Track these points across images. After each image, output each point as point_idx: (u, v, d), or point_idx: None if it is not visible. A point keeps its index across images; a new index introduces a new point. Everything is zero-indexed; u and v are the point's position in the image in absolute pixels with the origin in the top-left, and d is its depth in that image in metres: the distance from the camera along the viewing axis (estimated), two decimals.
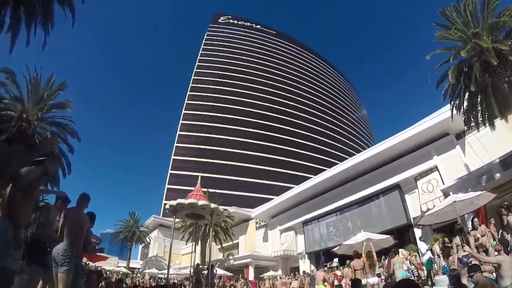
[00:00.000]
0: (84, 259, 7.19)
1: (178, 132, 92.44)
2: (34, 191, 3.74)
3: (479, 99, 12.90)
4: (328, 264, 18.61)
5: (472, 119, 13.41)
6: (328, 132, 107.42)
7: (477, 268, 5.32)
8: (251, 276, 26.81)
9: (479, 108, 13.07)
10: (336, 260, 16.03)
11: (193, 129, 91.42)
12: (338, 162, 58.81)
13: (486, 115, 12.95)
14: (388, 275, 13.36)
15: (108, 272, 27.98)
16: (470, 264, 5.36)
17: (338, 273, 14.11)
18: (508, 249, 5.91)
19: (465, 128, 15.18)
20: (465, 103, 13.27)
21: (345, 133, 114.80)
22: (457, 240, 8.89)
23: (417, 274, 13.02)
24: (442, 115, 16.34)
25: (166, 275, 17.07)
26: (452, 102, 13.54)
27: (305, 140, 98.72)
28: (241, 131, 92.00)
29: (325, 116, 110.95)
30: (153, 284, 21.48)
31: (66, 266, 4.63)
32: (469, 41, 11.91)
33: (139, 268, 38.17)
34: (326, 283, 12.76)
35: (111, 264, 39.50)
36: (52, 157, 4.14)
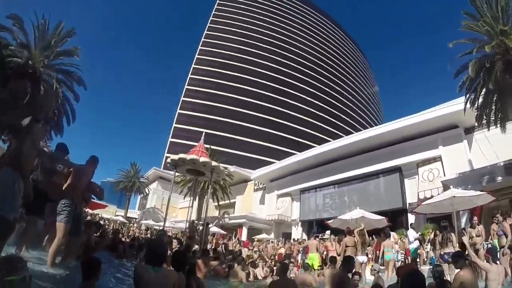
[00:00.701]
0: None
1: (186, 87, 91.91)
2: (37, 140, 3.80)
3: (495, 98, 12.68)
4: (320, 235, 18.96)
5: (485, 117, 13.22)
6: (337, 103, 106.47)
7: (462, 256, 5.41)
8: (244, 237, 27.36)
9: (494, 107, 12.90)
10: (328, 232, 16.32)
11: (201, 84, 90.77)
12: (343, 135, 58.77)
13: (499, 116, 12.79)
14: (376, 256, 13.65)
15: (106, 220, 28.77)
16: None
17: (328, 244, 14.31)
18: (497, 258, 5.94)
19: (476, 124, 15.02)
20: (480, 99, 13.02)
21: (355, 108, 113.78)
22: (439, 237, 9.01)
23: (403, 260, 13.28)
24: (455, 107, 16.09)
25: (162, 227, 17.50)
26: (467, 95, 13.28)
27: (313, 108, 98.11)
28: (249, 91, 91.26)
29: (337, 87, 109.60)
30: (148, 235, 22.05)
31: (64, 215, 4.83)
32: (495, 37, 11.53)
33: (136, 218, 39.05)
34: (318, 253, 13.01)
35: (109, 213, 40.53)
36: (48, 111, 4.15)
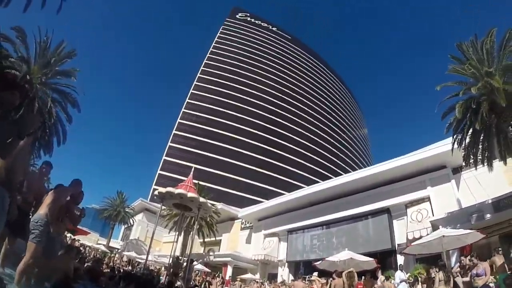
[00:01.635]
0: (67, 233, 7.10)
1: (178, 120, 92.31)
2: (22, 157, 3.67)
3: (481, 138, 12.95)
4: (307, 276, 18.53)
5: (472, 156, 13.46)
6: (328, 145, 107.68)
7: None
8: (228, 275, 26.66)
9: (480, 146, 13.16)
10: (315, 273, 15.93)
11: (194, 119, 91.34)
12: (332, 176, 59.04)
13: (486, 155, 13.02)
14: None
15: (87, 248, 27.92)
16: None
17: (315, 286, 14.01)
18: None
19: (463, 164, 15.25)
20: (467, 140, 13.32)
21: (344, 149, 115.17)
22: (440, 275, 8.90)
23: None
24: (442, 147, 16.47)
25: (144, 261, 17.00)
26: (454, 136, 13.59)
27: (303, 149, 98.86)
28: (241, 129, 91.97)
29: (327, 130, 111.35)
30: (129, 268, 21.33)
31: (35, 234, 4.56)
32: (481, 79, 11.96)
33: (118, 249, 38.01)
34: None
35: (92, 240, 39.48)
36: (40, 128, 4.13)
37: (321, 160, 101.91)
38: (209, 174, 74.57)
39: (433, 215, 17.13)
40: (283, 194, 32.15)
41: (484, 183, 15.66)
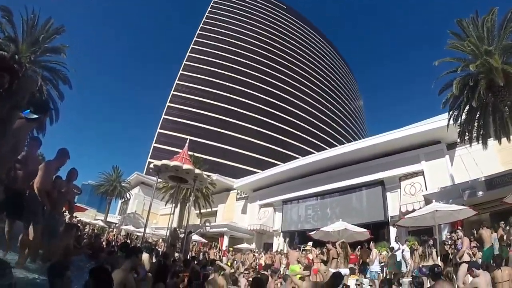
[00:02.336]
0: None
1: (172, 92, 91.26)
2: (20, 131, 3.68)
3: (477, 115, 12.99)
4: (302, 246, 18.94)
5: (467, 133, 13.55)
6: (323, 117, 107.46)
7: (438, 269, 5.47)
8: (225, 246, 27.14)
9: (476, 124, 13.23)
10: (310, 243, 16.29)
11: (188, 91, 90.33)
12: (328, 147, 59.23)
13: (481, 133, 13.12)
14: (360, 269, 13.84)
15: (86, 224, 28.20)
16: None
17: (310, 256, 14.31)
18: (480, 267, 6.01)
19: (458, 140, 15.32)
20: (463, 116, 13.34)
21: (340, 121, 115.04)
22: (420, 250, 9.20)
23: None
24: (438, 123, 16.58)
25: (142, 234, 17.22)
26: (450, 112, 13.62)
27: (299, 120, 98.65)
28: (236, 100, 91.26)
29: (323, 101, 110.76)
30: (127, 241, 21.62)
31: (34, 216, 4.65)
32: (480, 57, 11.84)
33: (116, 223, 38.34)
34: (299, 265, 12.97)
35: (89, 216, 39.77)
36: (47, 115, 4.03)
37: (316, 131, 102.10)
38: (204, 146, 74.60)
39: (426, 189, 17.40)
40: (279, 164, 32.33)
41: (478, 160, 15.91)
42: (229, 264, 16.77)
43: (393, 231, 18.04)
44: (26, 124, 3.70)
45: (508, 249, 9.49)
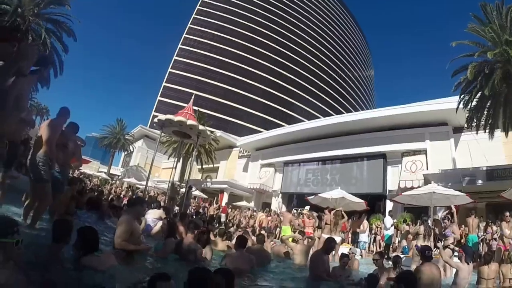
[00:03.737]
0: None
1: (180, 46, 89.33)
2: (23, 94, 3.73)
3: (488, 104, 12.81)
4: (299, 209, 19.31)
5: (475, 120, 13.45)
6: (332, 82, 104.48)
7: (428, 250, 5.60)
8: (224, 202, 27.58)
9: (485, 112, 13.08)
10: (307, 207, 16.57)
11: (196, 45, 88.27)
12: (334, 113, 58.71)
13: (490, 122, 13.04)
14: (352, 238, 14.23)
15: (90, 177, 28.72)
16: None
17: (306, 220, 14.61)
18: (470, 259, 6.07)
19: (465, 125, 15.19)
20: (474, 103, 13.19)
21: (348, 88, 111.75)
22: (420, 229, 9.34)
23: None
24: (447, 104, 16.37)
25: (144, 186, 17.56)
26: (461, 96, 13.47)
27: (307, 83, 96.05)
28: (246, 58, 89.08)
29: (333, 66, 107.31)
30: (129, 193, 22.10)
31: (41, 176, 4.66)
32: (499, 46, 11.57)
33: (119, 176, 38.97)
34: (292, 226, 13.28)
35: (93, 169, 40.34)
36: (48, 67, 4.00)
37: (323, 96, 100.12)
38: (209, 101, 74.18)
39: (427, 169, 17.60)
40: (283, 126, 32.33)
41: (482, 149, 15.86)
42: (228, 220, 17.21)
43: (389, 205, 18.35)
44: (27, 78, 3.69)
45: (496, 242, 9.72)
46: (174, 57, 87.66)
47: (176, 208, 13.27)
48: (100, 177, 32.80)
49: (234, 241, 9.58)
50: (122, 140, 43.23)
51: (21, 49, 3.56)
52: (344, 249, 10.09)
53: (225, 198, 28.90)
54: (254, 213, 20.56)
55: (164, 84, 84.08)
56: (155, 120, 12.94)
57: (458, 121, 16.89)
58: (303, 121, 29.64)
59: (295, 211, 16.79)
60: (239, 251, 5.95)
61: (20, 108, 3.71)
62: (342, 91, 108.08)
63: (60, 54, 20.40)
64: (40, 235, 4.43)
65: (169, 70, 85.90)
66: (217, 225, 11.60)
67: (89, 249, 3.34)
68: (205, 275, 2.37)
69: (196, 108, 19.35)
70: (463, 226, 12.43)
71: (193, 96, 14.31)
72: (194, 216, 12.52)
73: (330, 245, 6.38)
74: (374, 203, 19.08)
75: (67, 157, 6.05)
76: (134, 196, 16.83)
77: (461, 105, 13.60)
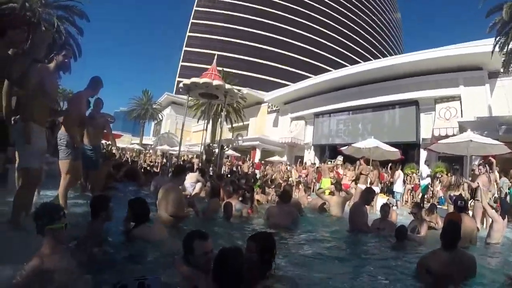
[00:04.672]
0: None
1: (195, 8, 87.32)
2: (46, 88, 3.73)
3: None
4: (332, 160, 19.18)
5: None
6: (356, 27, 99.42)
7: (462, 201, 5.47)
8: (257, 159, 27.92)
9: None
10: (340, 158, 16.39)
11: (212, 5, 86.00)
12: (361, 61, 56.52)
13: None
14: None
15: (123, 150, 29.53)
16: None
17: (341, 171, 14.51)
18: (505, 213, 5.81)
19: (501, 70, 14.28)
20: (511, 45, 12.17)
21: (374, 33, 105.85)
22: (452, 179, 9.06)
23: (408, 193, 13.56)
24: (482, 47, 15.42)
25: (177, 152, 17.88)
26: (497, 38, 12.55)
27: (330, 30, 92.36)
28: (264, 11, 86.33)
29: (356, 11, 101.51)
30: (164, 161, 22.58)
31: (62, 152, 4.71)
32: None
33: (151, 145, 39.88)
34: (331, 178, 13.24)
35: (125, 142, 41.34)
36: (67, 52, 4.05)
37: (349, 43, 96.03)
38: (233, 60, 73.36)
39: (461, 116, 16.93)
40: (310, 77, 31.57)
41: None
42: (264, 175, 17.36)
43: (423, 154, 18.04)
44: (44, 65, 3.79)
45: None
46: (191, 20, 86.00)
47: (210, 169, 13.42)
48: (134, 149, 33.72)
49: (270, 196, 9.78)
50: (150, 110, 44.16)
51: (35, 35, 3.57)
52: (381, 200, 9.98)
53: (258, 154, 29.16)
54: (288, 167, 20.66)
55: (184, 49, 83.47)
56: (180, 85, 12.92)
57: (493, 65, 15.88)
58: (329, 70, 28.73)
59: (329, 163, 16.60)
60: (280, 206, 5.99)
61: (45, 95, 3.73)
62: (369, 37, 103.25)
63: (75, 37, 20.68)
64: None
65: (188, 34, 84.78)
66: (253, 182, 11.68)
67: (140, 220, 3.47)
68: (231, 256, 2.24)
69: (220, 68, 19.15)
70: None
71: (215, 56, 14.05)
72: (229, 176, 12.64)
73: (369, 195, 6.29)
74: (408, 152, 18.56)
75: (98, 135, 6.25)
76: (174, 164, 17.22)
77: (496, 48, 12.88)
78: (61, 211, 2.47)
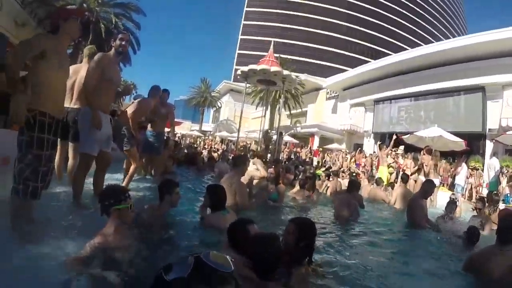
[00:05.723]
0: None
1: None
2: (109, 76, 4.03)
3: None
4: (393, 149, 18.68)
5: None
6: (417, 8, 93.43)
7: None
8: (315, 146, 27.69)
9: None
10: (402, 147, 15.90)
11: None
12: (422, 43, 53.39)
13: None
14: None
15: (183, 137, 30.91)
16: None
17: (401, 161, 14.13)
18: None
19: None
20: None
21: (435, 13, 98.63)
22: None
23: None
24: None
25: (236, 138, 18.39)
26: None
27: (389, 12, 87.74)
28: None
29: None
30: (222, 147, 23.33)
31: (125, 143, 5.27)
32: None
33: (210, 131, 40.98)
34: (390, 166, 12.98)
35: (185, 128, 43.08)
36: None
37: (409, 25, 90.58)
38: (290, 46, 73.12)
39: None
40: (368, 62, 30.66)
41: None
42: (320, 164, 17.38)
43: (489, 145, 16.83)
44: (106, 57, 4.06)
45: None
46: (245, 9, 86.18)
47: (269, 155, 13.66)
48: (193, 135, 35.08)
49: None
50: (209, 98, 45.51)
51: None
52: (442, 193, 9.57)
53: (316, 141, 29.00)
54: (347, 155, 20.42)
55: (240, 37, 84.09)
56: (238, 72, 13.25)
57: None
58: (389, 54, 27.59)
59: (390, 151, 16.22)
60: (346, 194, 6.02)
61: (109, 83, 4.10)
62: (430, 18, 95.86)
63: (133, 32, 21.86)
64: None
65: (243, 22, 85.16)
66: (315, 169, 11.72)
67: (217, 207, 3.58)
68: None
69: (277, 55, 19.27)
70: None
71: (272, 43, 14.18)
72: (286, 162, 12.85)
73: (428, 188, 5.97)
74: (472, 143, 17.11)
75: (162, 122, 6.83)
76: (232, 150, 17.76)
77: None
78: (126, 192, 2.64)
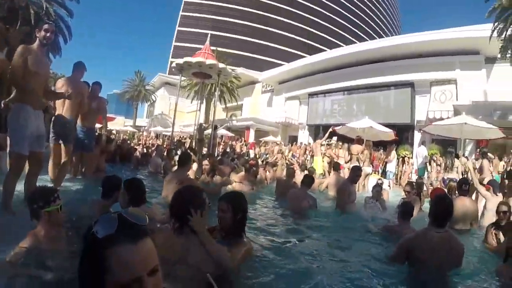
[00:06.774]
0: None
1: None
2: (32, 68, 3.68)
3: None
4: (327, 140, 19.17)
5: (509, 51, 12.71)
6: (353, 7, 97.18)
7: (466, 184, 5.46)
8: (251, 139, 27.80)
9: None
10: (335, 138, 16.42)
11: None
12: (356, 41, 55.84)
13: None
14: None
15: (117, 133, 29.27)
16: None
17: (335, 150, 14.48)
18: (498, 190, 5.76)
19: (499, 55, 14.36)
20: (509, 32, 12.20)
21: (370, 13, 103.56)
22: (440, 161, 9.10)
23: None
24: (480, 32, 15.36)
25: (170, 133, 17.71)
26: (495, 24, 12.52)
27: (325, 9, 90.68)
28: None
29: None
30: (158, 142, 22.43)
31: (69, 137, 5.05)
32: None
33: (145, 126, 39.72)
34: (324, 156, 13.25)
35: (118, 124, 40.96)
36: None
37: (345, 23, 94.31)
38: (226, 39, 72.38)
39: (457, 100, 17.03)
40: (305, 57, 31.25)
41: None
42: (256, 157, 17.29)
43: (417, 135, 18.23)
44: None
45: None
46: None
47: (204, 149, 13.30)
48: (127, 131, 33.52)
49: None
50: (143, 91, 43.98)
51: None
52: (373, 179, 9.99)
53: (252, 134, 29.02)
54: (283, 147, 20.60)
55: (177, 28, 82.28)
56: (173, 65, 12.85)
57: (491, 50, 15.83)
58: (325, 50, 28.42)
59: (324, 142, 16.64)
60: (302, 189, 6.01)
61: (34, 75, 3.77)
62: (365, 18, 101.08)
63: (65, 20, 20.27)
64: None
65: (181, 13, 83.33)
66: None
67: (137, 201, 3.36)
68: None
69: (213, 47, 18.89)
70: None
71: (208, 36, 13.82)
72: (221, 156, 12.56)
73: (355, 173, 6.32)
74: (402, 134, 18.78)
75: (93, 117, 6.37)
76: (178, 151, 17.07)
77: (495, 34, 12.79)
78: (55, 193, 2.50)
